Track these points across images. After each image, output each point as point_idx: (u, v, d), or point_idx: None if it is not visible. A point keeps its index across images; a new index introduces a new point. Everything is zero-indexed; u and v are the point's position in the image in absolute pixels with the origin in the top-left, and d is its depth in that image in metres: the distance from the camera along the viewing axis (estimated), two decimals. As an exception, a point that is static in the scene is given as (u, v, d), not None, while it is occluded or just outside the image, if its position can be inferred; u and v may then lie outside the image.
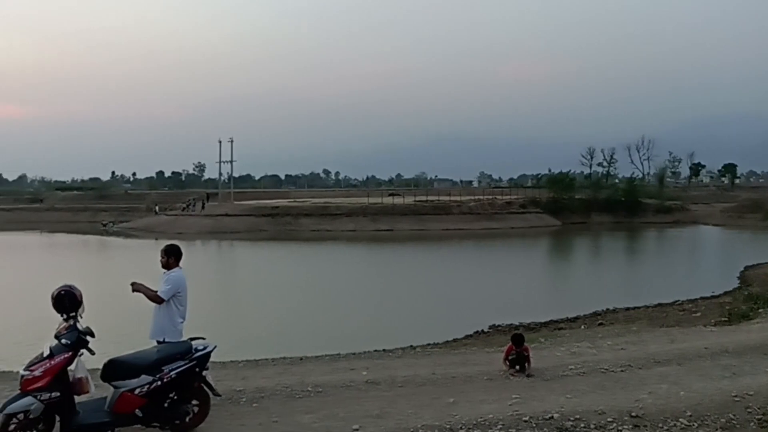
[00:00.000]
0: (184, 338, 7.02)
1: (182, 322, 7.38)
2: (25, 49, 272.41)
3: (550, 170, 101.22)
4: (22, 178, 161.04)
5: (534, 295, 23.71)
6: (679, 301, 20.19)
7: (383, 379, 8.78)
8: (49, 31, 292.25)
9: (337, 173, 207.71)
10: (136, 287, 7.17)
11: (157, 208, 74.72)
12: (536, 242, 51.15)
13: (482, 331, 16.57)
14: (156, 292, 7.17)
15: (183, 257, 7.52)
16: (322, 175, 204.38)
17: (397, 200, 69.08)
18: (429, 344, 14.01)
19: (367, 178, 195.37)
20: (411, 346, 13.34)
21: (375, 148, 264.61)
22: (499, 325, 16.96)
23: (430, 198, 72.86)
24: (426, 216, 61.41)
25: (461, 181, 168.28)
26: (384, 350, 12.21)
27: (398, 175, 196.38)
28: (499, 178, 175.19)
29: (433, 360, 10.48)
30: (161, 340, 7.12)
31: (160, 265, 7.41)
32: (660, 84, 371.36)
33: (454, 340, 15.08)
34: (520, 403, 7.55)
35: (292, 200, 76.85)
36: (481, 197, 73.09)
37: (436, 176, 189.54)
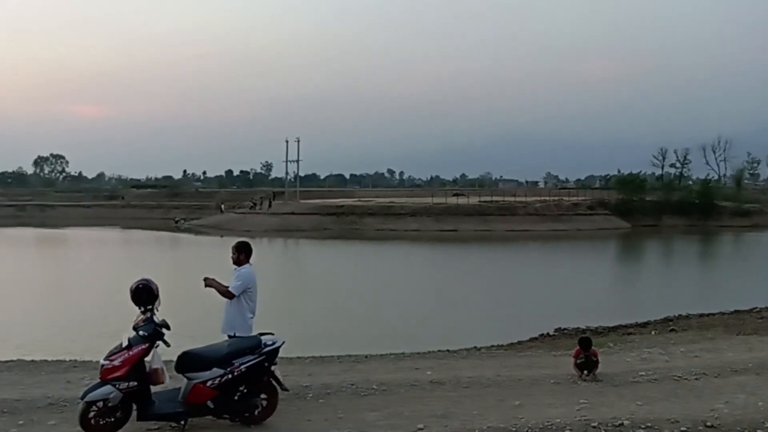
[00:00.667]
0: (254, 333, 7.17)
1: (252, 318, 7.51)
2: (103, 53, 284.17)
3: (619, 171, 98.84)
4: (101, 176, 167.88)
5: (602, 299, 23.14)
6: (757, 308, 19.29)
7: (448, 380, 8.77)
8: (126, 34, 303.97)
9: (401, 173, 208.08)
10: (209, 282, 7.35)
11: (223, 206, 76.56)
12: (604, 245, 49.92)
13: (548, 334, 16.27)
14: (227, 287, 7.34)
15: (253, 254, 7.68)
16: (386, 174, 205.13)
17: (462, 200, 68.67)
18: (493, 346, 13.87)
19: (432, 178, 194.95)
20: (475, 347, 13.24)
21: (439, 148, 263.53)
22: (565, 329, 16.61)
23: (495, 198, 72.10)
24: (491, 217, 60.85)
25: (527, 182, 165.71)
26: (448, 350, 12.17)
27: (463, 175, 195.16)
28: (566, 178, 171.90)
29: (498, 362, 10.39)
30: (232, 334, 7.30)
31: (231, 261, 7.59)
32: (738, 83, 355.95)
33: (519, 343, 14.87)
34: (588, 408, 7.40)
35: (356, 199, 77.43)
36: (547, 198, 71.83)
37: (501, 176, 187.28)
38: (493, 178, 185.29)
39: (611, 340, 13.73)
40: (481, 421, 6.94)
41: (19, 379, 8.99)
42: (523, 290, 25.22)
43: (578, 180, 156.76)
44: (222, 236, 56.76)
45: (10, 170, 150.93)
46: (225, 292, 7.34)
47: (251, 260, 7.66)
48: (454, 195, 77.09)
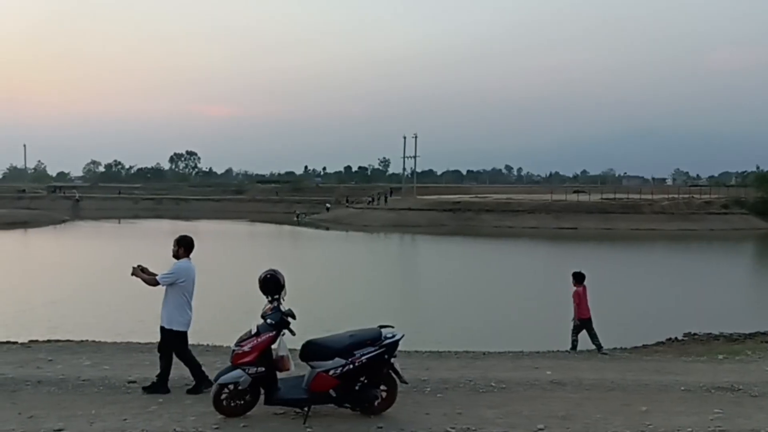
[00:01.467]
0: (374, 326, 7.26)
1: (191, 314, 7.70)
2: (233, 57, 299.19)
3: (758, 167, 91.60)
4: (228, 172, 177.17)
5: (736, 304, 21.63)
6: None
7: (569, 381, 8.54)
8: (252, 38, 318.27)
9: (519, 169, 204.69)
10: (134, 271, 7.54)
11: (328, 205, 78.24)
12: (740, 246, 46.59)
13: (675, 338, 15.45)
14: (155, 276, 7.48)
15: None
16: (504, 170, 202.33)
17: (582, 197, 66.57)
18: (616, 348, 13.33)
19: (551, 174, 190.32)
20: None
21: (559, 144, 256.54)
22: (695, 334, 15.70)
23: (618, 196, 69.26)
24: (613, 215, 58.51)
25: (653, 179, 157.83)
26: (567, 351, 11.84)
27: (584, 172, 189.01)
28: (697, 175, 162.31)
29: (623, 365, 9.99)
30: (166, 327, 7.60)
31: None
32: None
33: (644, 346, 14.20)
34: (723, 418, 6.96)
35: (473, 196, 76.94)
36: (675, 196, 68.06)
37: (625, 173, 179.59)
38: (617, 175, 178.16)
39: (749, 347, 12.83)
40: (605, 425, 6.71)
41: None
42: (649, 292, 24.05)
43: (711, 177, 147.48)
44: (328, 229, 58.33)
45: (148, 166, 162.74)
46: (150, 281, 7.47)
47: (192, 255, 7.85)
48: (575, 192, 74.81)
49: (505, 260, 35.89)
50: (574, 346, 11.60)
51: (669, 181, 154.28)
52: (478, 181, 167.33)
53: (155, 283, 7.51)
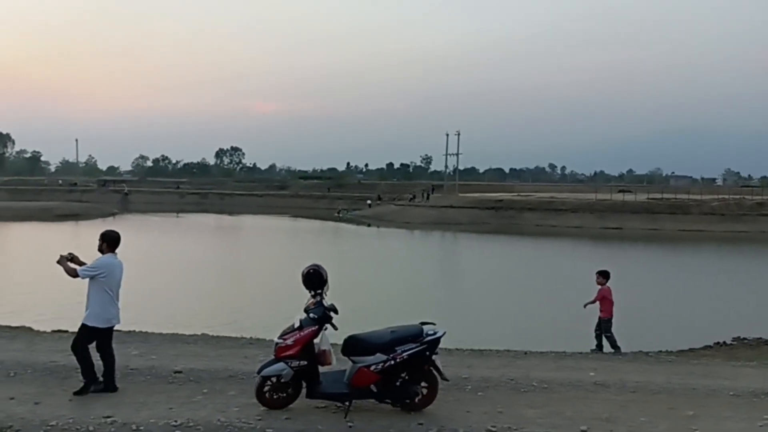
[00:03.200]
0: (415, 323, 7.26)
1: (117, 311, 7.48)
2: (276, 53, 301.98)
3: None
4: (272, 167, 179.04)
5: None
6: None
7: (613, 383, 8.40)
8: (297, 34, 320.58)
9: (563, 168, 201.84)
10: (59, 260, 7.30)
11: (369, 202, 78.31)
12: (794, 249, 45.08)
13: (724, 342, 15.05)
14: (76, 269, 7.27)
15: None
16: (547, 169, 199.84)
17: (628, 197, 65.28)
18: (662, 351, 13.07)
19: (595, 173, 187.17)
20: (641, 351, 12.56)
21: (604, 142, 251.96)
22: (745, 338, 15.27)
23: (665, 196, 67.71)
24: (660, 215, 57.23)
25: (702, 179, 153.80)
26: (611, 352, 11.66)
27: (629, 171, 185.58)
28: (749, 175, 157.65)
29: (669, 368, 9.77)
30: (84, 322, 7.37)
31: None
32: None
33: (691, 350, 13.88)
34: (773, 425, 6.77)
35: (516, 194, 76.23)
36: (725, 196, 66.12)
37: (673, 173, 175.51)
38: (664, 175, 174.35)
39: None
40: (650, 429, 6.60)
41: (204, 351, 9.88)
42: (696, 294, 23.48)
43: (763, 177, 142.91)
44: (378, 227, 58.42)
45: (195, 161, 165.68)
46: (71, 272, 7.24)
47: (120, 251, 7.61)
48: (620, 191, 73.48)
49: (548, 260, 35.46)
50: (613, 346, 11.50)
51: (719, 182, 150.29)
52: (521, 179, 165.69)
53: (75, 275, 7.25)
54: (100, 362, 7.54)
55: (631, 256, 39.72)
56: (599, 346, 11.65)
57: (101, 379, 7.45)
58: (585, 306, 11.97)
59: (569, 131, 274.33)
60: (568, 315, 18.90)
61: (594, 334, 11.80)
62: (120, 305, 7.59)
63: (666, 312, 20.07)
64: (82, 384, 7.34)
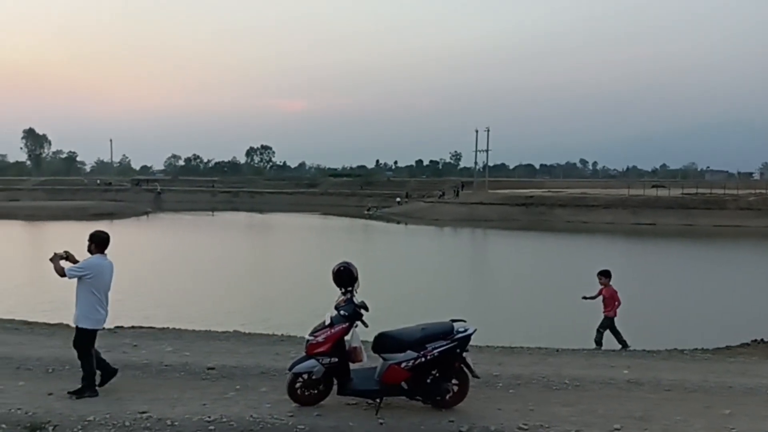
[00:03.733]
0: (446, 320, 7.25)
1: (104, 313, 7.37)
2: (306, 51, 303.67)
3: None
4: (302, 165, 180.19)
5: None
6: None
7: (647, 380, 8.28)
8: (326, 32, 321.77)
9: (594, 163, 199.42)
10: (53, 257, 7.20)
11: (398, 199, 78.30)
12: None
13: (761, 340, 14.72)
14: (63, 268, 7.17)
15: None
16: (578, 164, 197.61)
17: (662, 192, 64.22)
18: (697, 349, 12.84)
19: (628, 168, 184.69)
20: (676, 348, 12.36)
21: (637, 137, 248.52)
22: (784, 336, 14.93)
23: (700, 191, 66.47)
24: (695, 210, 56.19)
25: (738, 173, 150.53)
26: (645, 350, 11.49)
27: (663, 166, 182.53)
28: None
29: (704, 366, 9.60)
30: (76, 324, 7.28)
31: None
32: None
33: (727, 348, 13.60)
34: (814, 425, 6.61)
35: (546, 190, 75.61)
36: (763, 191, 64.62)
37: (708, 167, 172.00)
38: (699, 169, 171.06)
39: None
40: (685, 427, 6.49)
41: (236, 348, 9.99)
42: (733, 291, 23.02)
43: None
44: (406, 224, 58.41)
45: (226, 160, 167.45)
46: (59, 271, 7.15)
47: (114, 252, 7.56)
48: (653, 186, 72.38)
49: (579, 256, 35.05)
50: (622, 343, 11.66)
51: (756, 176, 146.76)
52: (552, 175, 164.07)
53: (63, 274, 7.16)
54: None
55: (665, 252, 39.12)
56: (598, 342, 11.68)
57: (98, 387, 7.36)
58: (584, 298, 12.19)
59: (601, 126, 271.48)
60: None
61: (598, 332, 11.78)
62: (108, 307, 7.48)
63: (701, 309, 19.73)
64: (80, 386, 7.26)
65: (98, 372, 7.46)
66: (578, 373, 8.63)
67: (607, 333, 11.78)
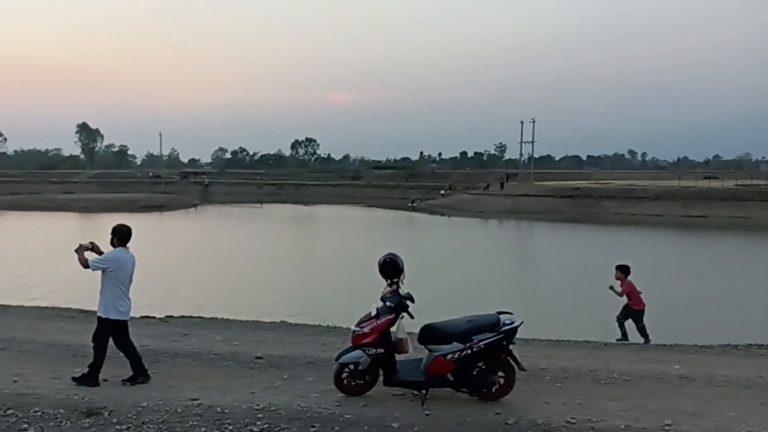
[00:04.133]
0: (492, 312, 7.21)
1: (128, 303, 7.39)
2: (351, 43, 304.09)
3: None
4: (346, 158, 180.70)
5: None
6: None
7: (699, 376, 8.09)
8: (370, 23, 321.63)
9: (643, 154, 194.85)
10: (77, 249, 7.24)
11: (442, 192, 77.87)
12: None
13: (818, 336, 14.25)
14: (87, 260, 7.22)
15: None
16: (627, 155, 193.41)
17: (714, 184, 62.44)
18: (752, 345, 12.49)
19: (678, 159, 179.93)
20: (729, 344, 12.04)
21: (688, 127, 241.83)
22: (843, 332, 14.40)
23: (755, 182, 64.30)
24: (749, 202, 54.47)
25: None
26: (697, 345, 11.23)
27: (716, 156, 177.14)
28: None
29: (759, 362, 9.33)
30: (102, 316, 7.28)
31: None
32: None
33: (784, 343, 13.21)
34: None
35: (593, 182, 74.28)
36: (824, 182, 62.32)
37: (764, 157, 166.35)
38: (753, 160, 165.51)
39: None
40: (739, 424, 6.32)
41: (283, 338, 10.14)
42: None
43: None
44: (450, 216, 58.18)
45: (271, 153, 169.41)
46: (83, 262, 7.23)
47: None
48: (705, 178, 70.53)
49: (628, 249, 34.36)
50: (645, 336, 11.41)
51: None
52: (599, 166, 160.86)
53: (86, 266, 7.25)
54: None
55: (717, 245, 38.08)
56: (644, 335, 11.40)
57: (86, 370, 7.41)
58: (611, 288, 11.78)
59: (650, 116, 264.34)
60: (649, 306, 18.32)
61: (618, 323, 11.56)
62: (132, 298, 7.54)
63: (755, 304, 19.17)
64: (87, 371, 7.36)
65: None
66: (628, 367, 8.48)
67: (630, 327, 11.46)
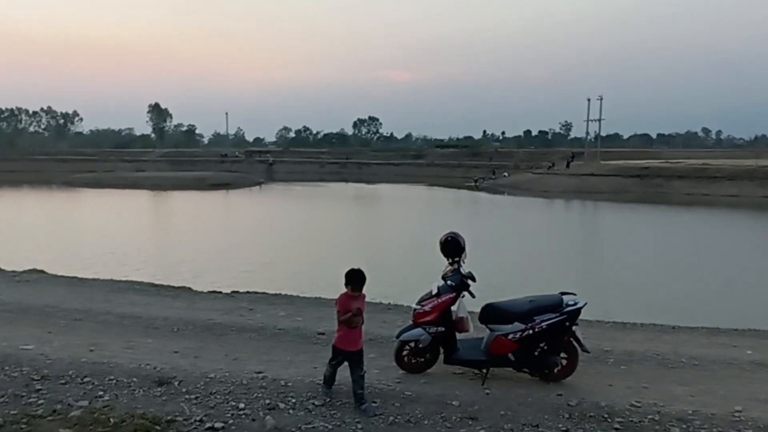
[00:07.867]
0: (555, 292, 7.14)
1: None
2: (413, 22, 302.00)
3: None
4: (408, 136, 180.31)
5: None
6: None
7: (773, 362, 7.79)
8: (430, 2, 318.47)
9: (718, 132, 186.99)
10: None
11: (505, 174, 75.98)
12: None
13: None
14: None
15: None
16: (700, 134, 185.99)
17: (796, 163, 59.36)
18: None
19: (756, 137, 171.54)
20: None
21: (766, 103, 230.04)
22: None
23: (842, 160, 60.95)
24: (834, 182, 51.65)
25: None
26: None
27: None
28: None
29: (840, 349, 8.90)
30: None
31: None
32: None
33: None
34: None
35: (663, 161, 71.82)
36: None
37: None
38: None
39: None
40: (816, 413, 6.07)
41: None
42: None
43: None
44: (513, 195, 57.37)
45: (334, 131, 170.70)
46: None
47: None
48: (785, 156, 66.90)
49: (699, 230, 33.20)
50: None
51: None
52: (670, 145, 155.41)
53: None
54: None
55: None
56: None
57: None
58: None
59: (726, 92, 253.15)
60: (721, 290, 17.71)
61: None
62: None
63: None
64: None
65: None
66: (697, 351, 8.24)
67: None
